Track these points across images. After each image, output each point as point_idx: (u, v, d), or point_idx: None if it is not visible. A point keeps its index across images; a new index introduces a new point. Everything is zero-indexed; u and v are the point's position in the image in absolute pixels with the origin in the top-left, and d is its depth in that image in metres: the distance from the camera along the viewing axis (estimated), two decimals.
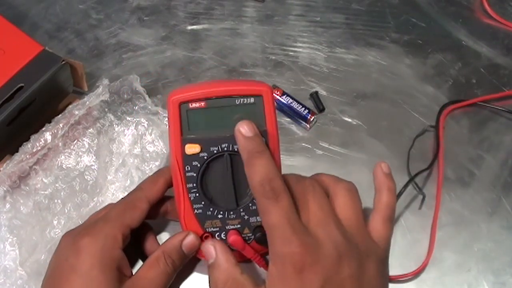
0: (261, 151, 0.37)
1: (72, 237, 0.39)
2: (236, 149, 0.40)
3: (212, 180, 0.41)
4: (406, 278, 0.46)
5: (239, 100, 0.39)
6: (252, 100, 0.39)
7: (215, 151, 0.40)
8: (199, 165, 0.40)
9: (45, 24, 0.61)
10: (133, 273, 0.40)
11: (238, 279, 0.37)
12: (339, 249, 0.35)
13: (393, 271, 0.46)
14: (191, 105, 0.39)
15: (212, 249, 0.39)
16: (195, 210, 0.41)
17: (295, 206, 0.36)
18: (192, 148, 0.40)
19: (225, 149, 0.40)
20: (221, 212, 0.41)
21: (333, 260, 0.35)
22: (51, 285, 0.38)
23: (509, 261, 0.48)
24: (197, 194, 0.41)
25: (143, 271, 0.40)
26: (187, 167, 0.40)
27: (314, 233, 0.35)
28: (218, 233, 0.42)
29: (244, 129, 0.38)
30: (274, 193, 0.35)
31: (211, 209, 0.41)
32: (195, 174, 0.40)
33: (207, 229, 0.41)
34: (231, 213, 0.41)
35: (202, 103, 0.39)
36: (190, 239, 0.41)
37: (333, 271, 0.35)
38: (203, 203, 0.41)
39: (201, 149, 0.40)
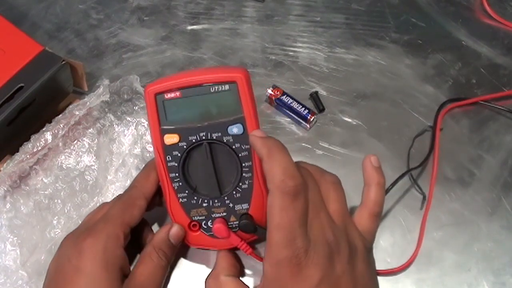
0: (282, 147, 0.36)
1: (74, 239, 0.39)
2: (214, 137, 0.40)
3: (194, 169, 0.41)
4: (393, 272, 0.46)
5: (213, 88, 0.39)
6: (226, 87, 0.39)
7: (193, 140, 0.40)
8: (179, 154, 0.40)
9: (45, 24, 0.61)
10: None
11: None
12: (331, 247, 0.35)
13: None
14: (167, 95, 0.40)
15: None
16: (180, 199, 0.41)
17: None
18: (170, 138, 0.40)
19: (203, 137, 0.40)
20: (206, 201, 0.41)
21: (326, 260, 0.35)
22: (54, 287, 0.38)
23: (509, 261, 0.48)
24: (180, 184, 0.41)
25: (139, 269, 0.40)
26: (168, 157, 0.41)
27: (310, 234, 0.35)
28: (204, 222, 0.42)
29: (258, 133, 0.38)
30: (295, 190, 0.34)
31: (195, 197, 0.41)
32: (176, 164, 0.41)
33: (193, 218, 0.42)
34: (216, 201, 0.41)
35: (177, 93, 0.40)
36: (175, 230, 0.42)
37: (327, 270, 0.35)
38: (187, 192, 0.41)
39: (180, 138, 0.40)
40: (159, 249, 0.41)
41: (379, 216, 0.40)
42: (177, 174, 0.41)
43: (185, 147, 0.40)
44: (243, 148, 0.40)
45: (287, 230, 0.34)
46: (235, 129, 0.40)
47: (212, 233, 0.42)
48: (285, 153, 0.36)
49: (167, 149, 0.40)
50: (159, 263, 0.41)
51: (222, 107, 0.40)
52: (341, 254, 0.36)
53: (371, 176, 0.40)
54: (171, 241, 0.42)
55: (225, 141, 0.40)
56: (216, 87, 0.39)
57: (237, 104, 0.39)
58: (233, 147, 0.40)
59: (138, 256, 0.45)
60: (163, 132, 0.40)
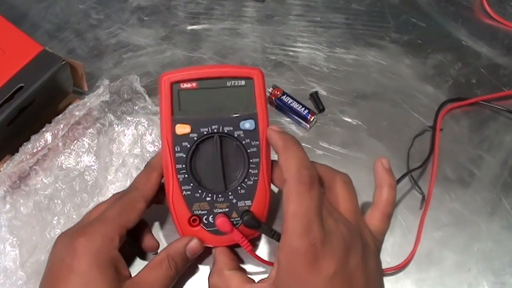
0: (296, 141, 0.38)
1: (68, 237, 0.39)
2: (226, 131, 0.40)
3: (202, 162, 0.41)
4: (392, 271, 0.46)
5: (230, 82, 0.40)
6: (243, 82, 0.40)
7: (205, 132, 0.40)
8: (188, 145, 0.40)
9: (45, 24, 0.61)
10: (131, 273, 0.40)
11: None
12: (346, 241, 0.35)
13: None
14: (183, 85, 0.40)
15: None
16: (184, 192, 0.41)
17: None
18: (182, 128, 0.40)
19: (215, 130, 0.40)
20: (210, 195, 0.41)
21: (342, 252, 0.35)
22: (48, 286, 0.38)
23: (509, 261, 0.48)
24: (186, 176, 0.41)
25: (145, 273, 0.40)
26: (177, 148, 0.40)
27: (326, 226, 0.35)
28: (206, 216, 0.42)
29: (275, 127, 0.39)
30: (311, 180, 0.35)
31: (199, 191, 0.41)
32: (184, 155, 0.40)
33: (194, 212, 0.42)
34: (220, 196, 0.41)
35: (194, 84, 0.40)
36: (194, 244, 0.41)
37: (342, 263, 0.35)
38: (191, 184, 0.41)
39: (191, 129, 0.40)
40: (172, 259, 0.41)
41: (390, 217, 0.40)
42: (183, 166, 0.41)
43: (195, 138, 0.40)
44: (253, 144, 0.40)
45: (304, 219, 0.34)
46: (247, 124, 0.40)
47: (212, 229, 0.42)
48: (300, 146, 0.38)
49: (176, 139, 0.40)
50: (168, 272, 0.40)
51: (236, 101, 0.40)
52: (355, 249, 0.36)
53: (383, 177, 0.40)
54: (187, 254, 0.42)
55: (236, 135, 0.40)
56: (233, 82, 0.40)
57: (251, 100, 0.40)
58: (243, 142, 0.40)
59: (137, 257, 0.45)
60: (175, 122, 0.40)
